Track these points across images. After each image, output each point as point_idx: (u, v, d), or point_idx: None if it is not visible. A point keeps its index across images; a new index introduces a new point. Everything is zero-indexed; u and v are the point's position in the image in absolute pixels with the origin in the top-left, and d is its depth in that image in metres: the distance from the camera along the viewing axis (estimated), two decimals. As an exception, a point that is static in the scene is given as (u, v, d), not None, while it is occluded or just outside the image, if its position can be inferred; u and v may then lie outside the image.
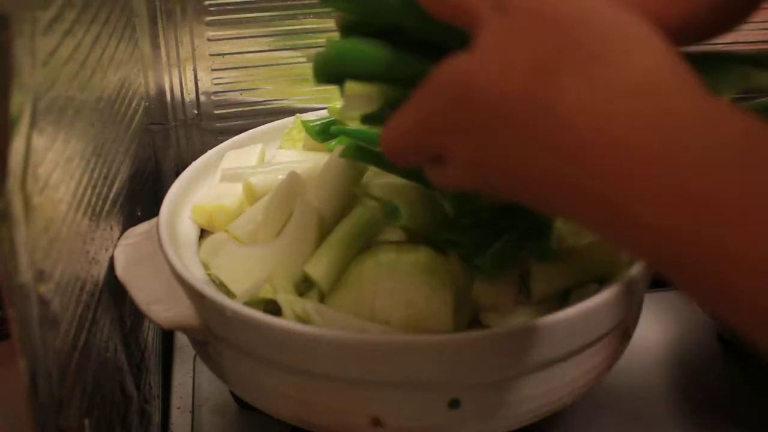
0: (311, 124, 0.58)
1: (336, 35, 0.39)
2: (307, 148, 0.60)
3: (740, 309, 0.24)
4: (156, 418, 0.59)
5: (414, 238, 0.48)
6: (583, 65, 0.27)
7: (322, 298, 0.46)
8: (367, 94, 0.36)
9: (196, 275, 0.47)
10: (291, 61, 0.70)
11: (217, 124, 0.71)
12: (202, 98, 0.70)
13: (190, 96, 0.70)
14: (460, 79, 0.30)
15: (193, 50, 0.68)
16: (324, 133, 0.57)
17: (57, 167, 0.39)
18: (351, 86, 0.35)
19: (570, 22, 0.28)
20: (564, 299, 0.48)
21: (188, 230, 0.53)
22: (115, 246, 0.52)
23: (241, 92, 0.71)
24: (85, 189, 0.45)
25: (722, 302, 0.25)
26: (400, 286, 0.44)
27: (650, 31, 0.28)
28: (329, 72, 0.36)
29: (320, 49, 0.36)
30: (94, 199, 0.47)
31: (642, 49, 0.28)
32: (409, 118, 0.33)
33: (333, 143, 0.56)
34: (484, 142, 0.29)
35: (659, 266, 0.26)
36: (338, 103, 0.37)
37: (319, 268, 0.46)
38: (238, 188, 0.55)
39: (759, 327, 0.24)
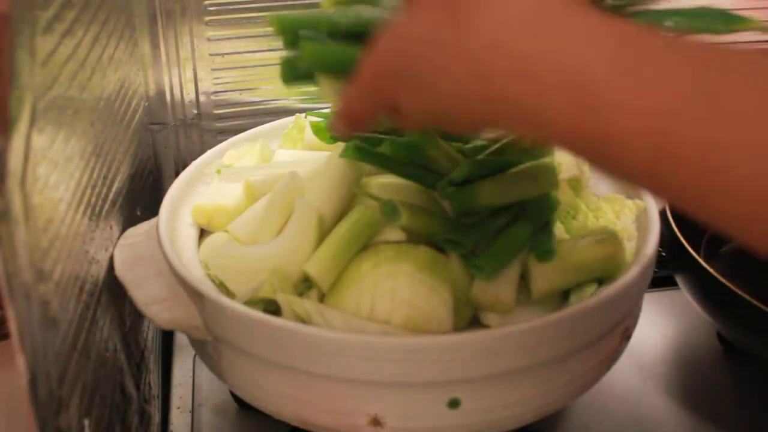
0: (319, 124, 0.58)
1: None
2: (306, 147, 0.60)
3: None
4: (156, 418, 0.59)
5: (414, 238, 0.48)
6: (476, 9, 0.33)
7: (322, 298, 0.46)
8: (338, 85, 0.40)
9: (196, 275, 0.47)
10: (291, 61, 0.70)
11: (217, 124, 0.71)
12: (202, 98, 0.70)
13: (189, 96, 0.70)
14: (399, 38, 0.36)
15: (193, 50, 0.68)
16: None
17: (57, 167, 0.39)
18: (324, 80, 0.41)
19: None
20: (564, 299, 0.48)
21: (188, 230, 0.53)
22: (114, 246, 0.52)
23: (241, 92, 0.71)
24: (85, 189, 0.45)
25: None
26: (400, 286, 0.44)
27: None
28: (298, 73, 0.41)
29: (287, 53, 0.41)
30: (94, 199, 0.47)
31: None
32: (363, 83, 0.38)
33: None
34: (425, 82, 0.35)
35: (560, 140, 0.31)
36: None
37: (319, 268, 0.46)
38: (238, 188, 0.55)
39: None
